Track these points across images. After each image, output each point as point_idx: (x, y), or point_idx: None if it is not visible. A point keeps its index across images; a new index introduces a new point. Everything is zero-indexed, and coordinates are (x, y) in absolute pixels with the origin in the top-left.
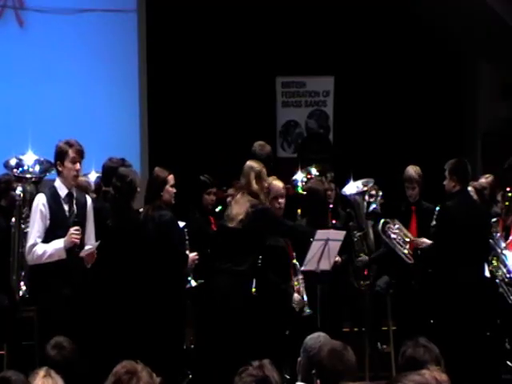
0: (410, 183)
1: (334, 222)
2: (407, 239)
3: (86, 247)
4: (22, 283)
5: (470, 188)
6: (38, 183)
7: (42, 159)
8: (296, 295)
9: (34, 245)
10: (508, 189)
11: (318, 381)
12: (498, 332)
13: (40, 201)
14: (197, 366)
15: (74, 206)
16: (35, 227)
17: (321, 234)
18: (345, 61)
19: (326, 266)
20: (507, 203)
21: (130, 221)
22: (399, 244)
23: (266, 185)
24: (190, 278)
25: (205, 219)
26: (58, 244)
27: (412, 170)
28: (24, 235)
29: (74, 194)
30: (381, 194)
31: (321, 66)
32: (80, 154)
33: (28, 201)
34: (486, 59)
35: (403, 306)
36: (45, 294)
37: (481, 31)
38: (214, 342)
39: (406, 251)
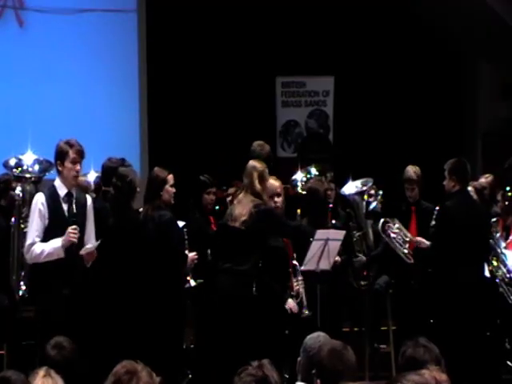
0: (409, 184)
1: (333, 221)
2: (407, 239)
3: (87, 245)
4: (21, 283)
5: (470, 188)
6: (38, 183)
7: (41, 159)
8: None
9: (33, 244)
10: (508, 188)
11: (318, 380)
12: (498, 332)
13: (39, 200)
14: (197, 365)
15: (74, 206)
16: (33, 226)
17: (321, 233)
18: (345, 61)
19: (325, 265)
20: (507, 203)
21: (129, 220)
22: (399, 244)
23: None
24: (189, 278)
25: (204, 219)
26: (56, 243)
27: (411, 171)
28: (24, 235)
29: (74, 194)
30: (381, 193)
31: (321, 66)
32: (80, 155)
33: (28, 200)
34: (485, 59)
35: (403, 305)
36: (44, 294)
37: (481, 31)
38: (214, 341)
39: (405, 251)
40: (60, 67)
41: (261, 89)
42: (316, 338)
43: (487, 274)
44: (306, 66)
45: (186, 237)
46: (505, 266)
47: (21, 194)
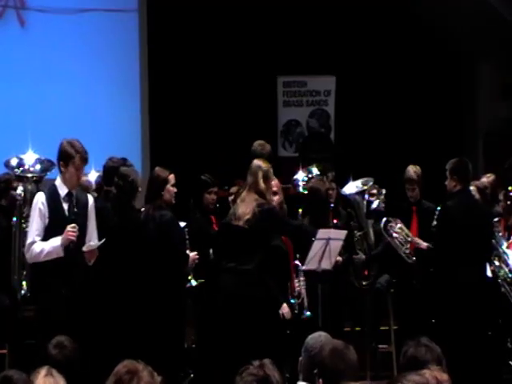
0: (410, 184)
1: (335, 221)
2: (409, 239)
3: (91, 242)
4: (23, 283)
5: (472, 187)
6: (39, 182)
7: (42, 158)
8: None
9: (33, 243)
10: (510, 188)
11: (320, 380)
12: (499, 332)
13: (39, 199)
14: (198, 365)
15: (74, 205)
16: (34, 226)
17: (322, 233)
18: (346, 60)
19: (327, 265)
20: (509, 202)
21: (131, 220)
22: (401, 243)
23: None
24: (190, 278)
25: (206, 219)
26: (56, 242)
27: (412, 171)
28: (25, 235)
29: (75, 194)
30: (384, 192)
31: (322, 66)
32: (85, 162)
33: (29, 200)
34: (486, 59)
35: (404, 305)
36: (44, 293)
37: (481, 31)
38: (216, 340)
39: (407, 251)
40: (61, 67)
41: (262, 88)
42: (317, 338)
43: (489, 273)
44: (308, 66)
45: (187, 236)
46: (507, 265)
47: (22, 194)
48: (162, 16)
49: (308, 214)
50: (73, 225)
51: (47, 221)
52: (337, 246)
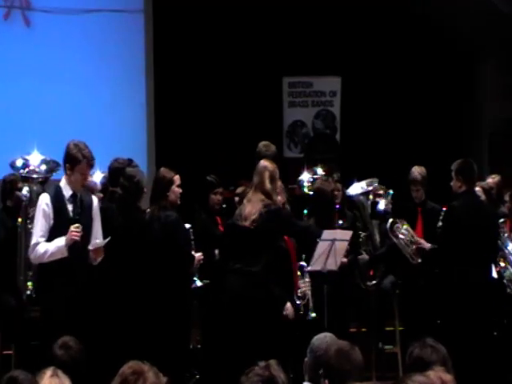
0: (414, 185)
1: (340, 222)
2: (414, 240)
3: (97, 240)
4: (29, 283)
5: (477, 188)
6: (45, 183)
7: (48, 159)
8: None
9: (37, 244)
10: None
11: (326, 381)
12: (505, 332)
13: (43, 200)
14: (204, 365)
15: (79, 206)
16: (38, 227)
17: (327, 234)
18: (351, 61)
19: (332, 266)
20: None
21: (137, 221)
22: (406, 245)
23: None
24: (195, 278)
25: (211, 219)
26: (60, 242)
27: (416, 172)
28: (31, 235)
29: (79, 195)
30: (391, 192)
31: (327, 67)
32: (91, 167)
33: (34, 201)
34: (491, 59)
35: (410, 306)
36: (48, 293)
37: (488, 31)
38: (221, 341)
39: (413, 252)
40: (67, 67)
41: (267, 89)
42: (323, 339)
43: (494, 274)
44: (313, 67)
45: (192, 237)
46: None
47: (28, 195)
48: (167, 17)
49: (313, 215)
50: (77, 225)
51: (52, 222)
52: (342, 246)
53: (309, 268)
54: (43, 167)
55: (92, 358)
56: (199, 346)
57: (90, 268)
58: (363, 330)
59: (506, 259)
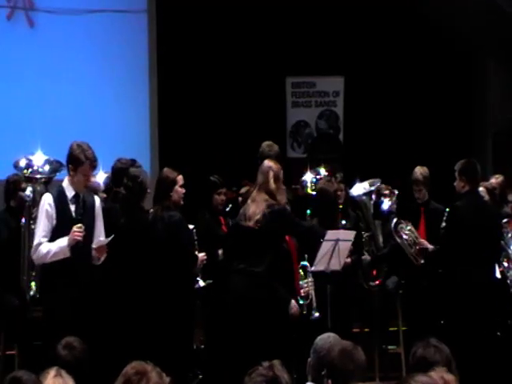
0: (416, 186)
1: (343, 222)
2: (417, 241)
3: (100, 238)
4: (32, 283)
5: (481, 188)
6: (48, 183)
7: (51, 159)
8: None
9: (39, 244)
10: None
11: (329, 381)
12: (508, 332)
13: (46, 201)
14: (207, 366)
15: (81, 207)
16: (41, 227)
17: (331, 234)
18: (355, 61)
19: (336, 266)
20: None
21: (140, 221)
22: (410, 245)
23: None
24: (198, 279)
25: (215, 220)
26: (62, 242)
27: (418, 173)
28: (34, 236)
29: (82, 195)
30: (396, 192)
31: (331, 67)
32: (94, 169)
33: (38, 201)
34: (494, 58)
35: (413, 306)
36: (51, 294)
37: (489, 30)
38: (225, 341)
39: (416, 252)
40: (70, 68)
41: (271, 89)
42: (326, 339)
43: (498, 275)
44: (316, 67)
45: (196, 237)
46: None
47: (31, 195)
48: (171, 17)
49: (316, 216)
50: (79, 225)
51: (54, 222)
52: (346, 247)
53: (312, 268)
54: (47, 167)
55: (95, 358)
56: (202, 346)
57: (93, 268)
58: (366, 330)
59: (509, 259)
